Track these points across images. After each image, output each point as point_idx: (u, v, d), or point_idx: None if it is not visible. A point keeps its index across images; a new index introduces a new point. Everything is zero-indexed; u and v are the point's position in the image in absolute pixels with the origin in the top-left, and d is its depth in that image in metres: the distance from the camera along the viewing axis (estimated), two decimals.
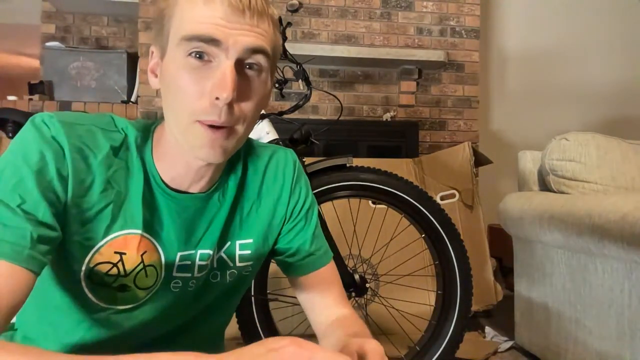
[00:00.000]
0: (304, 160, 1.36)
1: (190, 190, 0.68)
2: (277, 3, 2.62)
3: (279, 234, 0.80)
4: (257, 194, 0.76)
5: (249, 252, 0.76)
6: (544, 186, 1.72)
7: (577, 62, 3.28)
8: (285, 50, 1.37)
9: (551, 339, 1.59)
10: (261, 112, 1.40)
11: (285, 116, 1.38)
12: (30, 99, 2.47)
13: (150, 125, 0.70)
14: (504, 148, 3.07)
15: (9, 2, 2.90)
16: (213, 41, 0.57)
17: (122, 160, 0.65)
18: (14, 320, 0.75)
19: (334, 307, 0.78)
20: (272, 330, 1.37)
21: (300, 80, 1.41)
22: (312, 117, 2.71)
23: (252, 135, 1.40)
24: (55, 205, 0.58)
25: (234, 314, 1.33)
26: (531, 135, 3.07)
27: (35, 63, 4.38)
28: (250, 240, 0.76)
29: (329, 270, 0.82)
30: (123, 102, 2.56)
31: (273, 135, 1.41)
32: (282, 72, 1.41)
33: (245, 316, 1.34)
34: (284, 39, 1.35)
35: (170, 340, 0.75)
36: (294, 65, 1.39)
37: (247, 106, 0.61)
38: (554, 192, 1.64)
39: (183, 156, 0.65)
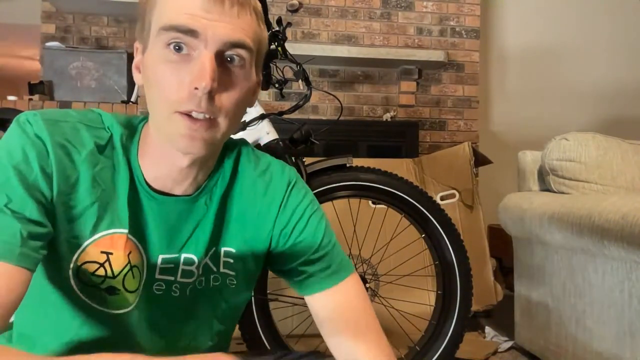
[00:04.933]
0: (304, 160, 1.36)
1: (174, 192, 0.67)
2: (277, 3, 2.62)
3: (270, 253, 0.75)
4: (245, 204, 0.73)
5: (231, 260, 0.72)
6: (544, 186, 1.72)
7: (577, 62, 3.28)
8: (285, 50, 1.36)
9: (551, 339, 1.59)
10: (261, 113, 1.41)
11: (285, 116, 1.38)
12: (30, 99, 2.47)
13: (138, 122, 0.69)
14: (504, 148, 3.07)
15: (9, 2, 2.90)
16: (191, 32, 0.56)
17: (108, 159, 0.64)
18: (12, 319, 0.75)
19: (349, 344, 0.71)
20: (272, 331, 1.37)
21: (300, 80, 1.40)
22: (312, 117, 2.71)
23: (252, 135, 1.40)
24: (42, 202, 0.58)
25: None
26: (531, 135, 3.07)
27: (35, 63, 4.38)
28: (233, 250, 0.72)
29: (344, 290, 0.74)
30: (123, 102, 2.56)
31: (273, 135, 1.41)
32: (282, 72, 1.41)
33: (245, 316, 1.34)
34: (284, 39, 1.35)
35: (171, 348, 0.73)
36: (294, 65, 1.39)
37: (228, 98, 0.59)
38: (554, 192, 1.64)
39: (167, 153, 0.64)
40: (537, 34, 3.23)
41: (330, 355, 0.74)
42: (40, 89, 2.50)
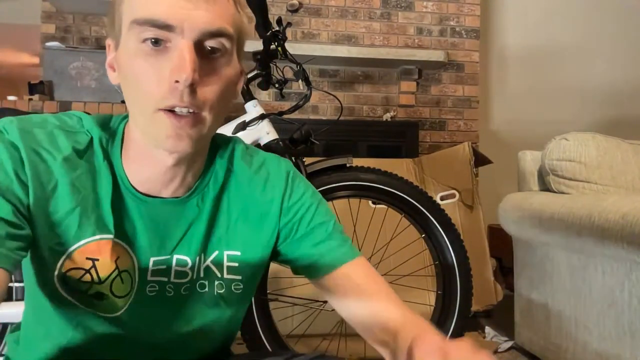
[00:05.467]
0: (304, 160, 1.36)
1: (162, 195, 0.64)
2: (277, 3, 2.62)
3: (276, 249, 0.74)
4: (244, 203, 0.70)
5: (236, 264, 0.70)
6: (544, 186, 1.72)
7: (577, 61, 3.28)
8: (285, 50, 1.37)
9: (551, 339, 1.59)
10: (261, 113, 1.41)
11: (285, 116, 1.38)
12: (30, 99, 2.46)
13: (118, 122, 0.66)
14: (504, 148, 3.07)
15: (9, 2, 2.90)
16: (166, 26, 0.53)
17: (88, 163, 0.62)
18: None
19: (378, 303, 0.69)
20: (272, 331, 1.37)
21: (300, 80, 1.41)
22: (312, 117, 2.71)
23: (252, 135, 1.40)
24: (18, 207, 0.57)
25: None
26: (531, 135, 3.07)
27: (35, 63, 4.38)
28: (238, 253, 0.70)
29: (357, 265, 0.73)
30: (123, 102, 2.55)
31: (273, 135, 1.41)
32: (282, 72, 1.41)
33: (245, 316, 1.34)
34: (284, 39, 1.35)
35: (169, 352, 0.72)
36: (294, 65, 1.39)
37: (211, 90, 0.57)
38: (554, 192, 1.64)
39: (151, 153, 0.61)
40: (537, 34, 3.23)
41: (337, 357, 0.74)
42: (40, 89, 2.50)
